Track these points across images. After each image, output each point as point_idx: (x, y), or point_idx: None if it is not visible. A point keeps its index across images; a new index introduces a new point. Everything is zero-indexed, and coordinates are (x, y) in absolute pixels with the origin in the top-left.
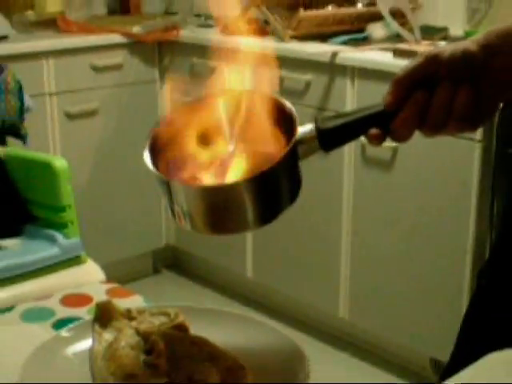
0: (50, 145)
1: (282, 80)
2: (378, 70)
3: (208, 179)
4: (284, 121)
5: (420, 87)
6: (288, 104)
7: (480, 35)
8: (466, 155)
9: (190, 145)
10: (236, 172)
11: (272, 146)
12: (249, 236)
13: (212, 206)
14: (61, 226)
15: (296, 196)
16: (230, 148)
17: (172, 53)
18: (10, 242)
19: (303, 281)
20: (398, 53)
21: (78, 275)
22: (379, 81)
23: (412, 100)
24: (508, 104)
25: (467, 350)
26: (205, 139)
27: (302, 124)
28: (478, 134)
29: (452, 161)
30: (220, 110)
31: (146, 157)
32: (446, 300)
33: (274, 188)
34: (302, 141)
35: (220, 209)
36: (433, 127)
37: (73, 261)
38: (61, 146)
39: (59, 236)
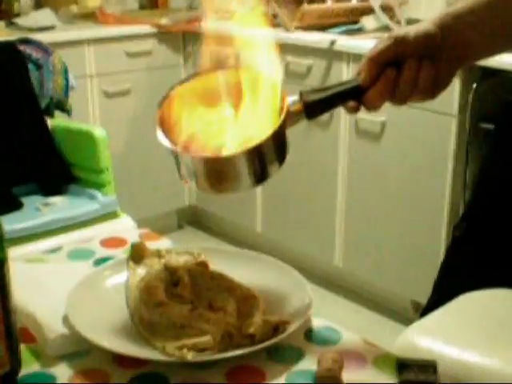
0: (91, 119)
1: (287, 64)
2: None
3: (208, 148)
4: (273, 94)
5: (390, 65)
6: (279, 82)
7: (437, 16)
8: (443, 128)
9: (194, 114)
10: (233, 141)
11: (264, 116)
12: (259, 196)
13: (212, 173)
14: (100, 186)
15: (284, 159)
16: (228, 117)
17: (195, 41)
18: (56, 200)
19: (304, 234)
20: None
21: (114, 227)
22: None
23: (383, 76)
24: (481, 82)
25: (443, 293)
26: (206, 108)
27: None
28: (455, 109)
29: (432, 133)
30: (218, 83)
31: (159, 133)
32: (426, 250)
33: (266, 156)
34: (290, 112)
35: (219, 174)
36: (400, 99)
37: (110, 215)
38: (100, 120)
39: (98, 194)
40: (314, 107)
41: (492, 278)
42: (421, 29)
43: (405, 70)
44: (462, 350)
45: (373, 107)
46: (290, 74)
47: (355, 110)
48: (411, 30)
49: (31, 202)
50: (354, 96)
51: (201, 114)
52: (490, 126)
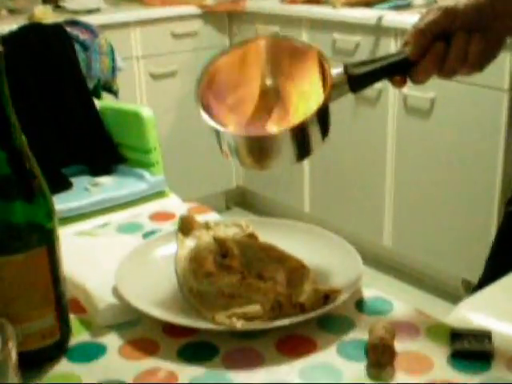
0: (138, 101)
1: (334, 41)
2: None
3: (251, 122)
4: (318, 65)
5: (438, 38)
6: (321, 53)
7: None
8: (494, 103)
9: (235, 87)
10: (276, 115)
11: (308, 85)
12: (306, 176)
13: (255, 150)
14: (148, 166)
15: (327, 133)
16: (270, 88)
17: (240, 21)
18: (105, 180)
19: (353, 214)
20: None
21: (163, 205)
22: None
23: (432, 51)
24: None
25: (496, 269)
26: (247, 80)
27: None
28: (506, 84)
29: (483, 108)
30: (258, 54)
31: (200, 109)
32: (477, 228)
33: (310, 133)
34: (335, 86)
35: (263, 151)
36: (449, 73)
37: (158, 194)
38: (147, 101)
39: (146, 174)
40: (359, 80)
41: None
42: (470, 1)
43: (454, 44)
44: None
45: (420, 81)
46: (337, 52)
47: (402, 84)
48: (460, 1)
49: (80, 182)
50: (400, 69)
51: (242, 86)
52: None
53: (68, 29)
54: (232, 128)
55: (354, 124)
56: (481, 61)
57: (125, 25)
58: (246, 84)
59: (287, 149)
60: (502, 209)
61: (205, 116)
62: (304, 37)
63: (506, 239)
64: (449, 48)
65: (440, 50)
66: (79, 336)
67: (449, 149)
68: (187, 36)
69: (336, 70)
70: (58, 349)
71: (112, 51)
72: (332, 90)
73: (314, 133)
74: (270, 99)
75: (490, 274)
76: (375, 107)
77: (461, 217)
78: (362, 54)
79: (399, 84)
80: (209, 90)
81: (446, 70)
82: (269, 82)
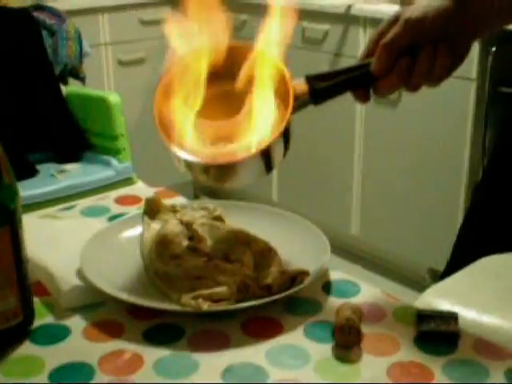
0: (105, 87)
1: (303, 30)
2: None
3: (211, 147)
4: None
5: (404, 51)
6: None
7: None
8: (462, 92)
9: (191, 101)
10: (238, 133)
11: (268, 102)
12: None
13: (218, 173)
14: (115, 152)
15: (289, 147)
16: (228, 103)
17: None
18: (71, 166)
19: (321, 204)
20: (404, 2)
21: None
22: None
23: (398, 67)
24: (500, 46)
25: (462, 257)
26: (205, 91)
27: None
28: (474, 73)
29: (450, 97)
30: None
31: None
32: (443, 217)
33: (275, 152)
34: (297, 99)
35: (225, 174)
36: (414, 87)
37: (125, 181)
38: (114, 88)
39: (113, 160)
40: (322, 95)
41: (510, 242)
42: (437, 9)
43: (420, 60)
44: (480, 312)
45: (384, 95)
46: (306, 40)
47: (365, 99)
48: (427, 11)
49: (46, 169)
50: (364, 83)
51: (198, 99)
52: (509, 90)
53: (34, 13)
54: (191, 150)
55: (322, 113)
56: (445, 74)
57: (93, 11)
58: (203, 95)
59: (251, 169)
60: (469, 198)
61: (167, 142)
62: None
63: (471, 227)
64: (415, 63)
65: (406, 65)
66: (43, 318)
67: (416, 138)
68: (155, 23)
69: (298, 83)
70: (21, 331)
71: (79, 37)
72: (295, 103)
73: (279, 149)
74: (226, 106)
75: (456, 262)
76: (343, 96)
77: (428, 206)
78: (331, 43)
79: (363, 99)
80: (165, 106)
81: (411, 85)
82: (227, 94)
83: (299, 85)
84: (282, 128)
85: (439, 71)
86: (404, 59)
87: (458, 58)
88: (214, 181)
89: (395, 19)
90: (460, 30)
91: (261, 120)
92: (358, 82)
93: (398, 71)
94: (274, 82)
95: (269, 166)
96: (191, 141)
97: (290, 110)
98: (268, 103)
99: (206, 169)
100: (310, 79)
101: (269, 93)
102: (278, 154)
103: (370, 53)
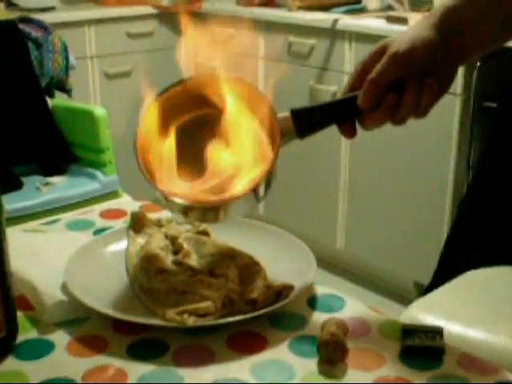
0: (91, 100)
1: (290, 44)
2: (372, 34)
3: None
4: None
5: (391, 87)
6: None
7: (437, 15)
8: (447, 107)
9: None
10: (221, 167)
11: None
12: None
13: (204, 211)
14: (100, 165)
15: (275, 176)
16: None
17: (196, 22)
18: (57, 179)
19: (307, 218)
20: (390, 19)
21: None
22: (374, 43)
23: (384, 102)
24: (484, 61)
25: (447, 270)
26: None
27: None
28: (458, 88)
29: (436, 112)
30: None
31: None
32: (428, 231)
33: (259, 188)
34: (282, 136)
35: (212, 211)
36: (400, 121)
37: (111, 195)
38: (100, 101)
39: (99, 174)
40: (308, 131)
41: (495, 256)
42: (423, 41)
43: (407, 95)
44: (465, 326)
45: (370, 128)
46: (292, 54)
47: (351, 134)
48: (415, 44)
49: (31, 181)
50: (350, 117)
51: (183, 134)
52: (494, 105)
53: (21, 26)
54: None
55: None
56: (430, 106)
57: (79, 23)
58: (187, 131)
59: (240, 205)
60: (454, 212)
61: (151, 182)
62: (260, 39)
63: (456, 241)
64: (401, 98)
65: (393, 101)
66: (26, 333)
67: (402, 152)
68: (142, 36)
69: (283, 118)
70: (5, 346)
71: (65, 49)
72: (281, 139)
73: (263, 187)
74: (214, 148)
75: (441, 275)
76: None
77: (413, 220)
78: (317, 57)
79: (349, 135)
80: (149, 141)
81: (398, 119)
82: (211, 129)
83: (285, 122)
84: (270, 167)
85: (426, 104)
86: (391, 95)
87: (443, 87)
88: (195, 217)
89: (381, 50)
90: (445, 61)
91: (247, 155)
92: (344, 116)
93: (385, 107)
94: (260, 116)
95: (257, 199)
96: (175, 179)
97: (277, 148)
98: (254, 137)
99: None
100: (295, 113)
101: (254, 126)
102: (264, 189)
103: (354, 83)
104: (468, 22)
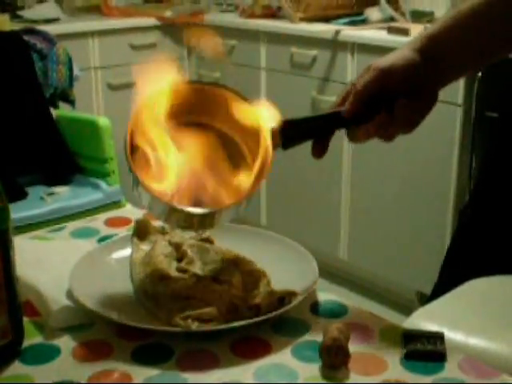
0: (95, 111)
1: (292, 55)
2: (374, 45)
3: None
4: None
5: (376, 99)
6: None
7: (418, 41)
8: (449, 117)
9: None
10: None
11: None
12: (263, 189)
13: (196, 220)
14: (104, 175)
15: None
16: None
17: (199, 34)
18: (61, 189)
19: (309, 227)
20: (392, 30)
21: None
22: (376, 54)
23: (376, 121)
24: (485, 71)
25: (449, 279)
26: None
27: None
28: (460, 98)
29: (437, 122)
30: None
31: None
32: (431, 241)
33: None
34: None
35: (204, 221)
36: (389, 138)
37: (114, 205)
38: (104, 112)
39: (103, 184)
40: (293, 142)
41: (497, 265)
42: (404, 60)
43: (397, 114)
44: (467, 334)
45: (359, 142)
46: (295, 65)
47: (321, 153)
48: (396, 62)
49: (36, 191)
50: (333, 130)
51: (174, 143)
52: (495, 115)
53: (25, 37)
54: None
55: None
56: (416, 124)
57: (83, 35)
58: (179, 139)
59: (231, 212)
60: (456, 222)
61: (144, 184)
62: (262, 50)
63: (458, 250)
64: (391, 118)
65: (384, 121)
66: (32, 338)
67: (404, 162)
68: (145, 47)
69: (270, 128)
70: (11, 350)
71: (69, 60)
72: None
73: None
74: (204, 159)
75: (443, 284)
76: None
77: (415, 230)
78: (320, 68)
79: (319, 153)
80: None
81: (388, 136)
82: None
83: (273, 131)
84: (261, 181)
85: (413, 123)
86: (382, 116)
87: (427, 106)
88: (186, 227)
89: (368, 69)
90: (427, 81)
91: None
92: (329, 129)
93: (376, 124)
94: (252, 126)
95: (238, 213)
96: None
97: (269, 163)
98: (242, 147)
99: (186, 217)
100: (282, 126)
101: (245, 135)
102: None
103: (342, 100)
104: (447, 50)
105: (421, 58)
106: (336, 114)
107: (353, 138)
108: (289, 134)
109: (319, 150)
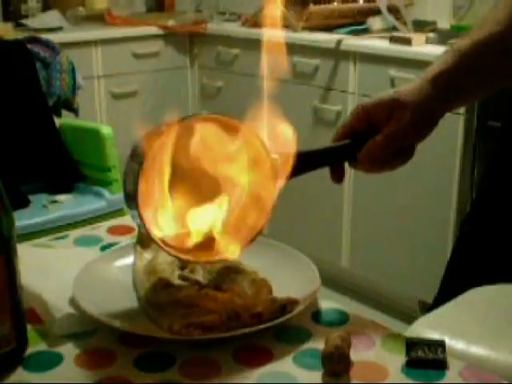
0: (98, 120)
1: (294, 64)
2: (376, 54)
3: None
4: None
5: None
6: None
7: (430, 75)
8: (451, 127)
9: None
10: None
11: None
12: None
13: None
14: (107, 184)
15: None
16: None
17: (201, 43)
18: (64, 197)
19: (310, 236)
20: (394, 39)
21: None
22: (377, 64)
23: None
24: None
25: (451, 288)
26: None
27: None
28: (462, 108)
29: (439, 131)
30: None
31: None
32: (433, 249)
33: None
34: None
35: None
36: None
37: (117, 213)
38: (107, 121)
39: (105, 192)
40: (299, 173)
41: (498, 274)
42: (382, 101)
43: (360, 156)
44: (468, 343)
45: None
46: (297, 74)
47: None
48: (377, 102)
49: (38, 199)
50: (340, 162)
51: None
52: (498, 125)
53: (29, 46)
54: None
55: (312, 146)
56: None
57: (86, 44)
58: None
59: None
60: (458, 231)
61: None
62: (264, 59)
63: (460, 259)
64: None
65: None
66: (35, 346)
67: (405, 171)
68: (148, 56)
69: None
70: (14, 358)
71: (73, 69)
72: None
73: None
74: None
75: (445, 293)
76: (333, 130)
77: (417, 238)
78: (322, 77)
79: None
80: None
81: (388, 169)
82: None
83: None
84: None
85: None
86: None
87: (408, 153)
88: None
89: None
90: (433, 113)
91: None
92: (336, 161)
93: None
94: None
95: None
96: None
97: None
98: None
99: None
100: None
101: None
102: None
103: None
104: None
105: (397, 104)
106: (342, 149)
107: (356, 168)
108: (296, 171)
109: (338, 175)
